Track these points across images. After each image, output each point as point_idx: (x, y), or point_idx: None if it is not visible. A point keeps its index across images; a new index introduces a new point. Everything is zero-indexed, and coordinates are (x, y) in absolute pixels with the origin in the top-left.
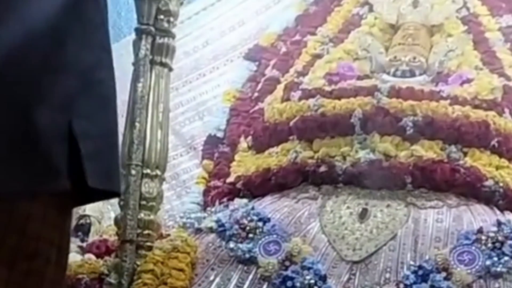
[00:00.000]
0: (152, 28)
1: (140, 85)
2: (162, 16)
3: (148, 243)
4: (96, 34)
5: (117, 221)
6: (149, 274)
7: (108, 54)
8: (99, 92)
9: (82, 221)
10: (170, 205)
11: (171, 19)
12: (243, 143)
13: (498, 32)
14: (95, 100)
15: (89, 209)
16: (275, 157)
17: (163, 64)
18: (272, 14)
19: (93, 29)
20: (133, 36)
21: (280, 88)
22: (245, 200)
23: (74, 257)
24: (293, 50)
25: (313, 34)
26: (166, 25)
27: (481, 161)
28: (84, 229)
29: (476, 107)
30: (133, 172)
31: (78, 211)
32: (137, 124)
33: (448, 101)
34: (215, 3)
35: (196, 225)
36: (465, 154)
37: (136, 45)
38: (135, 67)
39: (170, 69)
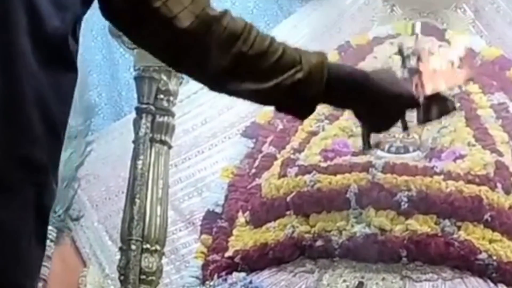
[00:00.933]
0: (152, 107)
1: (140, 162)
2: (162, 96)
3: None
4: None
5: None
6: None
7: None
8: None
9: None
10: (169, 279)
11: (171, 98)
12: (241, 218)
13: (490, 109)
14: None
15: (90, 283)
16: (273, 232)
17: (162, 142)
18: None
19: None
20: (133, 115)
21: (277, 164)
22: (243, 274)
23: None
24: (289, 128)
25: None
26: (165, 104)
27: (474, 235)
28: None
29: (469, 182)
30: (133, 247)
31: (80, 286)
32: (137, 200)
33: (442, 176)
34: None
35: None
36: (459, 228)
37: (137, 124)
38: (135, 145)
39: (170, 147)
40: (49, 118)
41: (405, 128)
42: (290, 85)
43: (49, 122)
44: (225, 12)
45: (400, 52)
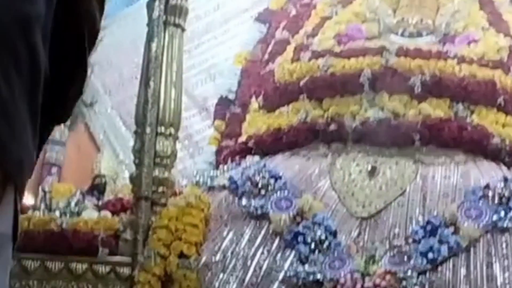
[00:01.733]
0: None
1: (154, 45)
2: None
3: (163, 200)
4: None
5: (132, 179)
6: (163, 229)
7: None
8: None
9: (97, 180)
10: (183, 165)
11: None
12: (254, 104)
13: None
14: None
15: (104, 169)
16: (286, 117)
17: (176, 25)
18: None
19: None
20: (145, 0)
21: (290, 49)
22: (256, 158)
23: (90, 215)
24: (302, 13)
25: None
26: None
27: (487, 119)
28: (99, 188)
29: (482, 66)
30: (147, 130)
31: (94, 171)
32: (151, 83)
33: (455, 60)
34: None
35: (209, 183)
36: (472, 112)
37: (150, 7)
38: (149, 28)
39: (183, 30)
40: None
41: None
42: None
43: None
44: None
45: None
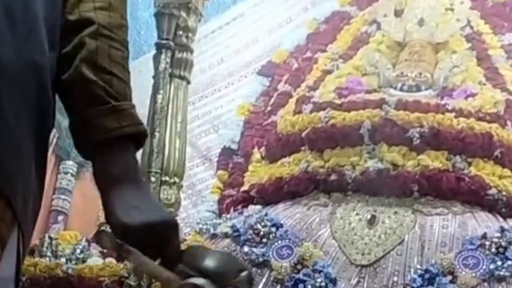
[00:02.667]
0: (172, 43)
1: (160, 96)
2: (181, 32)
3: None
4: None
5: None
6: None
7: None
8: None
9: (102, 228)
10: (186, 213)
11: (190, 34)
12: (257, 154)
13: (500, 50)
14: None
15: None
16: (287, 167)
17: (181, 77)
18: (285, 33)
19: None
20: (152, 53)
21: (292, 101)
22: (258, 207)
23: (95, 261)
24: (304, 66)
25: (324, 51)
26: (184, 40)
27: (484, 171)
28: None
29: (480, 119)
30: (152, 179)
31: (100, 218)
32: (156, 133)
33: (453, 113)
34: (230, 22)
35: (212, 231)
36: (470, 164)
37: (156, 59)
38: (155, 80)
39: (188, 82)
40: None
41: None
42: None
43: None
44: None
45: None
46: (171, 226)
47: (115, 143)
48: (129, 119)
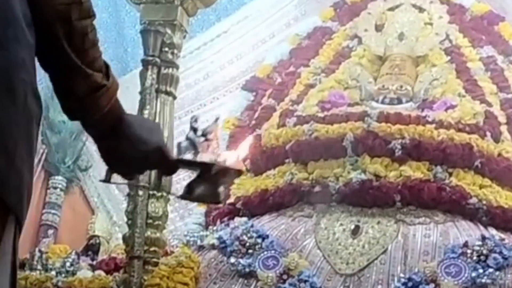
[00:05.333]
0: (158, 60)
1: (146, 112)
2: (166, 49)
3: (155, 259)
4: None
5: (125, 239)
6: None
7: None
8: None
9: (92, 241)
10: (174, 226)
11: (175, 51)
12: None
13: (479, 62)
14: None
15: (98, 230)
16: (272, 179)
17: (168, 93)
18: (268, 48)
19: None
20: (138, 70)
21: (276, 115)
22: (244, 219)
23: (85, 274)
24: (287, 81)
25: (306, 65)
26: (170, 56)
27: (465, 181)
28: (94, 248)
29: (460, 130)
30: (140, 193)
31: (88, 232)
32: None
33: (434, 125)
34: (215, 39)
35: (199, 243)
36: (450, 174)
37: (143, 76)
38: (142, 95)
39: (174, 97)
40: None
41: (107, 180)
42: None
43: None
44: None
45: (192, 123)
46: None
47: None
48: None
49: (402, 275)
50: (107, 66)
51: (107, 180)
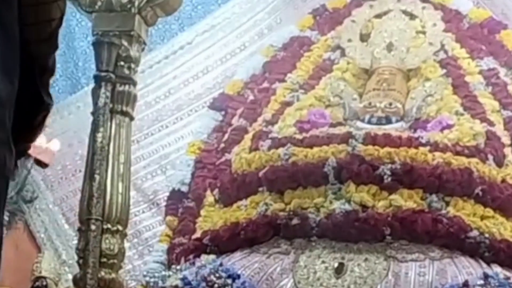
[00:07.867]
0: (112, 75)
1: (99, 135)
2: (122, 63)
3: None
4: None
5: (76, 281)
6: None
7: None
8: None
9: (38, 283)
10: (132, 265)
11: (132, 65)
12: (210, 197)
13: (479, 76)
14: None
15: (45, 270)
16: (244, 210)
17: (124, 113)
18: (238, 61)
19: None
20: (90, 87)
21: (248, 137)
22: (212, 256)
23: None
24: (261, 98)
25: (282, 81)
26: (127, 71)
27: (464, 211)
28: None
29: (457, 153)
30: (92, 227)
31: (34, 273)
32: (96, 176)
33: (428, 147)
34: (177, 51)
35: (161, 284)
36: (447, 203)
37: (95, 94)
38: (95, 116)
39: (132, 118)
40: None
41: None
42: None
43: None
44: None
45: None
46: None
47: None
48: None
49: None
50: None
51: None
